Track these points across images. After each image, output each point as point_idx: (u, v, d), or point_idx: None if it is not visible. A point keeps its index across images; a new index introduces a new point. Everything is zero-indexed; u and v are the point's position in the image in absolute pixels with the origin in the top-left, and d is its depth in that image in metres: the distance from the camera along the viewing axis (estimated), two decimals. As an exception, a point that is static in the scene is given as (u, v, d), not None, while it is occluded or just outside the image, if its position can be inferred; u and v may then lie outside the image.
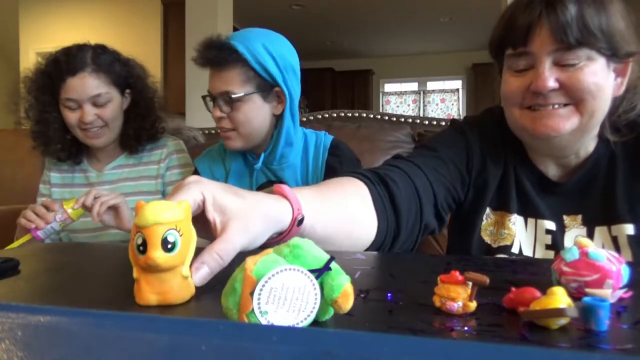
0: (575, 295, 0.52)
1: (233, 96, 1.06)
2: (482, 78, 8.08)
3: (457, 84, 8.87)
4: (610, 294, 0.51)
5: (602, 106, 0.75)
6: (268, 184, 1.15)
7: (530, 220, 0.82)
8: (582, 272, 0.53)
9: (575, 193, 0.82)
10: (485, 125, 0.92)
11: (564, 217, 0.81)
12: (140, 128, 1.35)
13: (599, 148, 0.81)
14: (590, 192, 0.81)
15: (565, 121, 0.75)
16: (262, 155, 1.14)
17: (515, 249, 0.82)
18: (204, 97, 1.13)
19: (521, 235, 0.82)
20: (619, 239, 0.77)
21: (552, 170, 0.84)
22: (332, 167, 1.14)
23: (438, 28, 7.23)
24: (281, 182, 1.14)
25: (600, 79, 0.73)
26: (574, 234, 0.80)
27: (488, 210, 0.86)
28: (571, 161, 0.82)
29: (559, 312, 0.42)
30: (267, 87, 1.09)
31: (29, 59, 5.71)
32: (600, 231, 0.79)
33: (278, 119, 1.13)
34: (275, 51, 1.09)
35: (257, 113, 1.09)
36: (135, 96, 1.36)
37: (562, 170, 0.84)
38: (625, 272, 0.52)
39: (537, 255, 0.82)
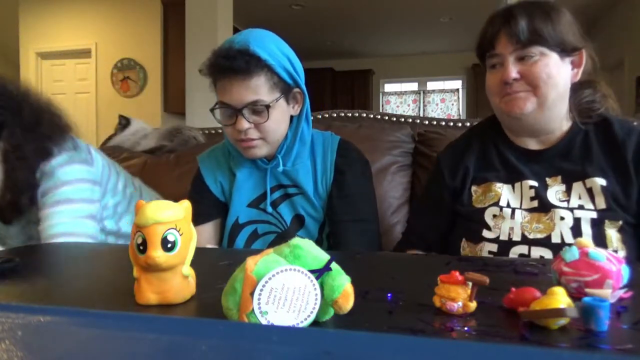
0: (575, 295, 0.52)
1: (264, 105, 1.01)
2: (482, 78, 7.87)
3: (457, 84, 8.85)
4: (610, 294, 0.51)
5: (555, 90, 0.95)
6: (278, 187, 1.13)
7: (517, 184, 1.01)
8: (582, 272, 0.53)
9: (555, 158, 1.01)
10: (454, 143, 1.16)
11: (546, 179, 1.00)
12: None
13: (574, 128, 1.01)
14: (568, 157, 0.99)
15: (525, 102, 0.96)
16: (279, 157, 1.10)
17: (503, 203, 0.99)
18: (212, 110, 1.07)
19: (509, 195, 1.01)
20: (593, 189, 0.95)
21: (533, 145, 1.04)
22: (341, 170, 1.12)
23: (438, 28, 7.22)
24: (293, 184, 1.12)
25: (553, 69, 0.94)
26: (555, 190, 0.98)
27: (474, 187, 1.05)
28: (549, 138, 1.02)
29: (559, 312, 0.42)
30: (289, 89, 1.07)
31: (29, 59, 5.71)
32: (576, 185, 0.97)
33: (292, 119, 1.11)
34: (287, 52, 1.07)
35: (283, 117, 1.07)
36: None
37: (542, 145, 1.03)
38: (625, 272, 0.52)
39: (524, 206, 0.98)
